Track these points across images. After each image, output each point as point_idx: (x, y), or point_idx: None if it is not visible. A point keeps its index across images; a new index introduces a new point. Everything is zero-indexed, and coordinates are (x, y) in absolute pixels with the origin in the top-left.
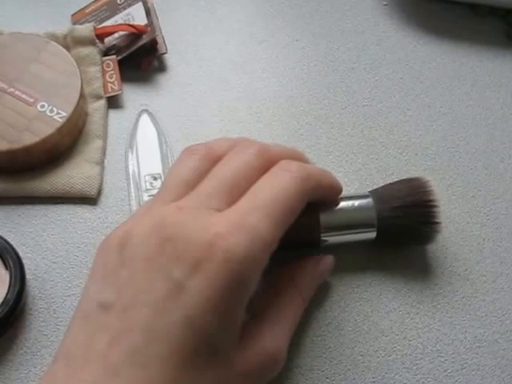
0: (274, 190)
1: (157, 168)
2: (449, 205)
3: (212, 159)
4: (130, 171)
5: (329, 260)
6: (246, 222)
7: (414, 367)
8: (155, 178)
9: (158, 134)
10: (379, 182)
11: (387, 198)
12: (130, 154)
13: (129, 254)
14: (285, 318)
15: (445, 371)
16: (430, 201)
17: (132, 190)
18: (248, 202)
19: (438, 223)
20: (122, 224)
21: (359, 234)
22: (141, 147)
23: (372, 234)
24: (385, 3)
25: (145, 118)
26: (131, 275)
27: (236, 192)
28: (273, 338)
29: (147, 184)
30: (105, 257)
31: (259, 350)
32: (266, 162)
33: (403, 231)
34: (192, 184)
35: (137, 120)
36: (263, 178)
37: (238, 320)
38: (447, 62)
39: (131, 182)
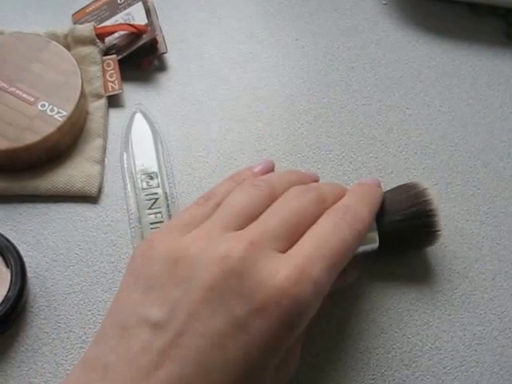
0: (337, 243)
1: (153, 167)
2: (448, 203)
3: (272, 196)
4: (126, 171)
5: (354, 273)
6: (311, 271)
7: (413, 364)
8: (151, 177)
9: (153, 133)
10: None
11: (389, 211)
12: (124, 154)
13: (184, 275)
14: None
15: (444, 368)
16: (431, 210)
17: (129, 189)
18: (312, 247)
19: (438, 231)
20: (167, 236)
21: (361, 247)
22: (136, 147)
23: (374, 246)
24: (384, 2)
25: (138, 117)
26: (187, 299)
27: (296, 234)
28: None
29: (143, 183)
30: (149, 267)
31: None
32: (322, 209)
33: (404, 241)
34: (253, 216)
35: (130, 120)
36: (323, 223)
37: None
38: (447, 61)
39: (128, 181)
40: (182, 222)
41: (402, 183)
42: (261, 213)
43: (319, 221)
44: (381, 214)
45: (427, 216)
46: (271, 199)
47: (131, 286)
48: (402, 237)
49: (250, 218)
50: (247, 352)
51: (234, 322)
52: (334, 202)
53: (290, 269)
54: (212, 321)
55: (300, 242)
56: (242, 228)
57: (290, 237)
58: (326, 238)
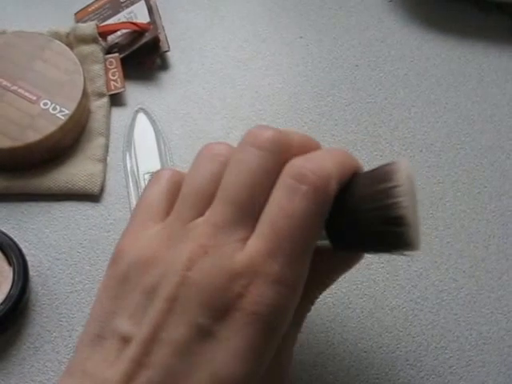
0: (293, 222)
1: (155, 166)
2: (454, 201)
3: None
4: (129, 170)
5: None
6: (269, 272)
7: (418, 364)
8: None
9: (156, 132)
10: None
11: (349, 204)
12: (127, 153)
13: (149, 283)
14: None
15: (449, 368)
16: (397, 219)
17: (131, 188)
18: (265, 239)
19: (407, 244)
20: (132, 233)
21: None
22: (138, 146)
23: (324, 243)
24: (389, 0)
25: (141, 116)
26: (153, 309)
27: (254, 211)
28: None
29: (146, 182)
30: (117, 272)
31: None
32: (282, 160)
33: (367, 239)
34: (210, 196)
35: (133, 119)
36: (278, 195)
37: (266, 363)
38: (452, 59)
39: (130, 180)
40: (148, 210)
41: (382, 164)
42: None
43: (274, 191)
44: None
45: (393, 225)
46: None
47: (105, 288)
48: (360, 234)
49: (208, 198)
50: (222, 361)
51: (199, 331)
52: (303, 149)
53: (246, 273)
54: (177, 330)
55: (256, 230)
56: (200, 213)
57: (247, 220)
58: (280, 224)
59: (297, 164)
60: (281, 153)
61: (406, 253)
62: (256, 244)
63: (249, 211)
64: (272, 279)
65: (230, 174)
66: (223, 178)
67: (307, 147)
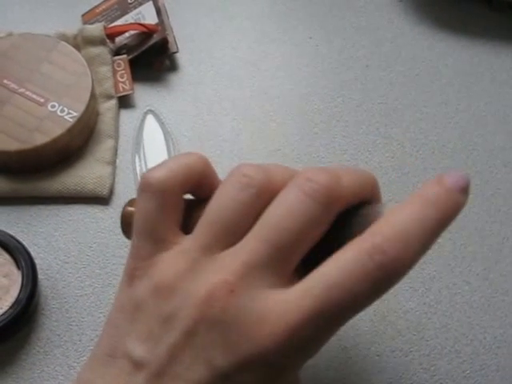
0: (351, 298)
1: None
2: (467, 203)
3: (267, 192)
4: (138, 172)
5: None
6: (304, 333)
7: (432, 368)
8: None
9: (165, 134)
10: (396, 181)
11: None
12: (136, 156)
13: (167, 312)
14: None
15: (463, 372)
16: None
17: None
18: (314, 299)
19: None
20: (145, 252)
21: None
22: (147, 148)
23: None
24: None
25: (150, 118)
26: (169, 341)
27: (293, 259)
28: None
29: None
30: (134, 294)
31: None
32: (333, 211)
33: None
34: (243, 227)
35: (142, 121)
36: (341, 259)
37: None
38: (464, 59)
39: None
40: (148, 227)
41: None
42: (254, 218)
43: (341, 253)
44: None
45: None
46: (267, 197)
47: (119, 310)
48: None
49: (237, 229)
50: None
51: (215, 373)
52: (356, 198)
53: (277, 327)
54: (192, 367)
55: (303, 284)
56: (228, 244)
57: (283, 265)
58: (338, 291)
59: (382, 246)
60: (333, 205)
61: None
62: (300, 302)
63: (288, 257)
64: (302, 344)
65: (273, 213)
66: (264, 215)
67: (361, 192)
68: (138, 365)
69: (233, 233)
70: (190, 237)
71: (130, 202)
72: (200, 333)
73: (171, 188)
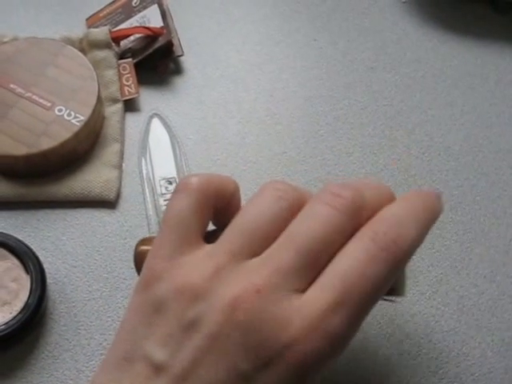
0: (367, 284)
1: (171, 172)
2: (473, 205)
3: (298, 209)
4: (145, 176)
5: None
6: (328, 325)
7: (440, 371)
8: (170, 182)
9: (170, 138)
10: (401, 183)
11: None
12: (143, 159)
13: (190, 316)
14: None
15: (472, 375)
16: None
17: (147, 194)
18: (332, 293)
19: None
20: (166, 255)
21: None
22: (154, 151)
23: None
24: (403, 1)
25: (156, 121)
26: (191, 344)
27: (317, 266)
28: None
29: (162, 188)
30: (153, 297)
31: None
32: (357, 224)
33: None
34: (271, 238)
35: (148, 124)
36: (352, 253)
37: None
38: (469, 60)
39: (146, 186)
40: (178, 227)
41: None
42: (281, 230)
43: (348, 247)
44: None
45: None
46: (296, 211)
47: (136, 313)
48: None
49: (265, 240)
50: None
51: (239, 375)
52: (375, 212)
53: (302, 323)
54: (215, 370)
55: (319, 280)
56: (255, 253)
57: (309, 271)
58: (351, 278)
59: (381, 229)
60: (357, 216)
61: (392, 298)
62: (319, 296)
63: (313, 264)
64: (328, 335)
65: (302, 224)
66: (291, 226)
67: (382, 204)
68: (158, 369)
69: (260, 242)
70: (216, 243)
71: (143, 241)
72: (224, 336)
73: (207, 191)
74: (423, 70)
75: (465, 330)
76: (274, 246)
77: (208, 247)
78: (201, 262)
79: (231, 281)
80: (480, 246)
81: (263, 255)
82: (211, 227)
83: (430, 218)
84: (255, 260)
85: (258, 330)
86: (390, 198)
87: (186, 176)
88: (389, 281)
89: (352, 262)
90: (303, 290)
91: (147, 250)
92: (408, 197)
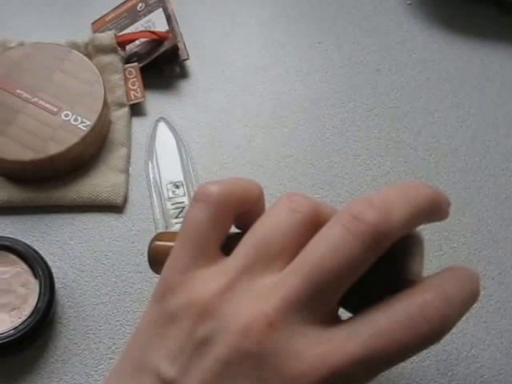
0: (399, 348)
1: (178, 176)
2: (481, 207)
3: (314, 224)
4: (151, 180)
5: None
6: (347, 375)
7: (449, 373)
8: (177, 186)
9: (177, 142)
10: None
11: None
12: (149, 163)
13: (200, 335)
14: None
15: (481, 377)
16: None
17: (154, 198)
18: (363, 345)
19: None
20: (182, 267)
21: None
22: (160, 155)
23: None
24: (408, 2)
25: (162, 126)
26: (201, 366)
27: (336, 296)
28: None
29: (169, 192)
30: (166, 310)
31: None
32: (380, 249)
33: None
34: (285, 252)
35: (154, 128)
36: (394, 308)
37: None
38: (475, 61)
39: (153, 190)
40: (195, 240)
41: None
42: (298, 246)
43: (392, 302)
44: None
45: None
46: (313, 226)
47: (151, 323)
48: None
49: (279, 254)
50: None
51: None
52: (404, 234)
53: (313, 359)
54: None
55: (350, 325)
56: (269, 268)
57: (324, 303)
58: (386, 339)
59: (433, 303)
60: (379, 244)
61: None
62: (345, 343)
63: (328, 295)
64: (340, 373)
65: (315, 250)
66: (306, 250)
67: (415, 222)
68: (164, 382)
69: (275, 258)
70: (230, 257)
71: (158, 236)
72: (234, 363)
73: (227, 203)
74: (429, 72)
75: (474, 332)
76: (287, 270)
77: (223, 261)
78: (213, 276)
79: (242, 302)
80: (488, 247)
81: (277, 279)
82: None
83: (471, 305)
84: (268, 281)
85: (270, 361)
86: (427, 207)
87: (205, 184)
88: (422, 350)
89: (391, 323)
90: (322, 322)
91: (162, 246)
92: (459, 272)
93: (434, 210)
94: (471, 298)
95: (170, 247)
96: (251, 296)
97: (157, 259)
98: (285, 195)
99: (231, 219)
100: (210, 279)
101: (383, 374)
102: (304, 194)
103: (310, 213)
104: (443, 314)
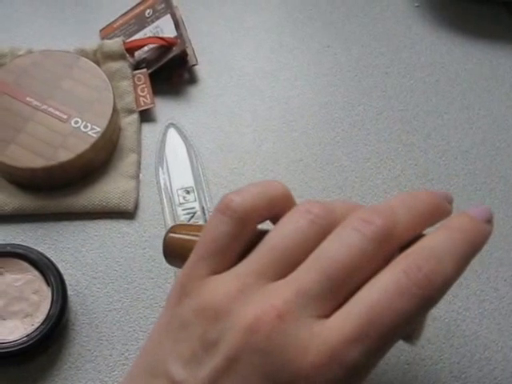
0: (393, 317)
1: (189, 181)
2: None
3: (328, 231)
4: (162, 186)
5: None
6: (347, 356)
7: (463, 376)
8: (188, 192)
9: (187, 147)
10: (420, 188)
11: None
12: (160, 169)
13: (211, 337)
14: None
15: (495, 379)
16: None
17: (165, 204)
18: (356, 322)
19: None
20: (198, 272)
21: None
22: (171, 161)
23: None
24: (417, 5)
25: (172, 131)
26: (211, 364)
27: (343, 292)
28: None
29: (180, 198)
30: (181, 314)
31: None
32: (388, 251)
33: None
34: (299, 260)
35: (164, 134)
36: (381, 283)
37: None
38: (484, 63)
39: (164, 196)
40: (215, 251)
41: None
42: (310, 252)
43: (378, 277)
44: None
45: None
46: (328, 232)
47: (164, 328)
48: None
49: (293, 262)
50: None
51: None
52: (409, 236)
53: (321, 351)
54: None
55: (344, 308)
56: (281, 275)
57: (333, 297)
58: (378, 310)
59: (415, 262)
60: (388, 244)
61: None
62: (341, 325)
63: (337, 290)
64: (346, 366)
65: (329, 247)
66: (320, 248)
67: (420, 228)
68: None
69: (288, 264)
70: (244, 262)
71: (173, 228)
72: (243, 359)
73: (250, 217)
74: (438, 74)
75: (486, 335)
76: (300, 267)
77: (237, 267)
78: (227, 281)
79: (253, 302)
80: (499, 249)
81: (289, 276)
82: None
83: (469, 252)
84: (280, 282)
85: (277, 355)
86: (432, 214)
87: (229, 195)
88: (416, 317)
89: (380, 293)
90: (326, 316)
91: (176, 238)
92: (450, 226)
93: (435, 212)
94: (468, 246)
95: (185, 240)
96: (262, 296)
97: (171, 251)
98: (302, 204)
99: (254, 229)
100: (223, 284)
101: (396, 377)
102: (323, 201)
103: (326, 224)
104: (429, 270)
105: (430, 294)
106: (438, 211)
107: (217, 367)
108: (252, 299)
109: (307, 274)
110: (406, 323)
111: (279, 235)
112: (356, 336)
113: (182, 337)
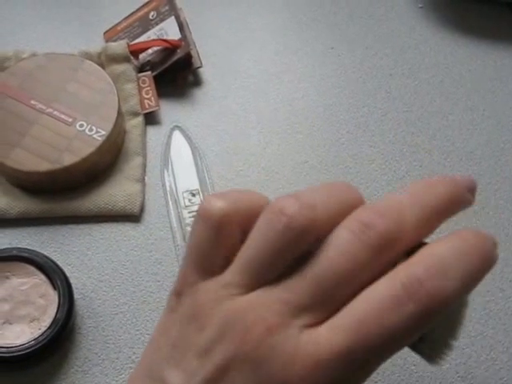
0: (383, 331)
1: (194, 184)
2: (497, 210)
3: (310, 235)
4: (168, 189)
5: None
6: (332, 370)
7: (469, 376)
8: (193, 194)
9: (192, 150)
10: None
11: None
12: (165, 172)
13: (202, 345)
14: None
15: (500, 379)
16: None
17: (171, 207)
18: (345, 334)
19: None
20: (190, 279)
21: None
22: (176, 164)
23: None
24: (420, 6)
25: (177, 134)
26: (202, 374)
27: (335, 302)
28: None
29: (186, 200)
30: (177, 320)
31: None
32: (388, 259)
33: None
34: (279, 267)
35: (169, 137)
36: (381, 300)
37: None
38: (488, 63)
39: (169, 199)
40: (199, 257)
41: None
42: (293, 255)
43: (374, 287)
44: None
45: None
46: (309, 237)
47: (162, 331)
48: None
49: (273, 269)
50: None
51: None
52: (418, 238)
53: (306, 363)
54: None
55: (335, 319)
56: (265, 282)
57: (323, 307)
58: (366, 325)
59: (416, 275)
60: (388, 252)
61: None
62: (329, 337)
63: (329, 300)
64: (332, 380)
65: (322, 253)
66: (314, 254)
67: (430, 230)
68: None
69: (268, 272)
70: (231, 267)
71: None
72: (233, 369)
73: (229, 223)
74: (442, 75)
75: (492, 335)
76: (292, 276)
77: (225, 274)
78: (214, 290)
79: (243, 311)
80: (505, 250)
81: (279, 286)
82: None
83: (480, 271)
84: (269, 289)
85: (266, 366)
86: (442, 217)
87: (209, 198)
88: (412, 334)
89: (373, 306)
90: (317, 323)
91: None
92: (462, 235)
93: (453, 207)
94: (481, 263)
95: None
96: (251, 305)
97: None
98: (273, 204)
99: (237, 232)
100: (210, 292)
101: (403, 378)
102: (296, 196)
103: (302, 227)
104: (432, 287)
105: (427, 313)
106: (457, 204)
107: (207, 377)
108: (240, 308)
109: (298, 284)
110: (399, 339)
111: (252, 244)
112: (342, 350)
113: (177, 343)
